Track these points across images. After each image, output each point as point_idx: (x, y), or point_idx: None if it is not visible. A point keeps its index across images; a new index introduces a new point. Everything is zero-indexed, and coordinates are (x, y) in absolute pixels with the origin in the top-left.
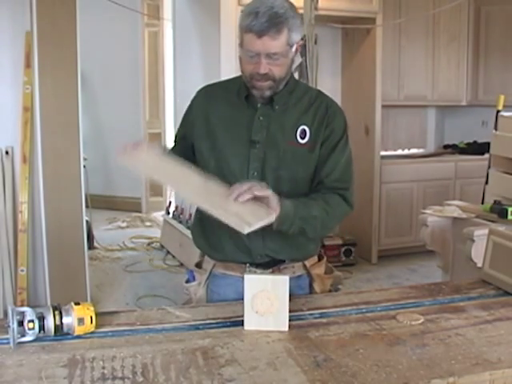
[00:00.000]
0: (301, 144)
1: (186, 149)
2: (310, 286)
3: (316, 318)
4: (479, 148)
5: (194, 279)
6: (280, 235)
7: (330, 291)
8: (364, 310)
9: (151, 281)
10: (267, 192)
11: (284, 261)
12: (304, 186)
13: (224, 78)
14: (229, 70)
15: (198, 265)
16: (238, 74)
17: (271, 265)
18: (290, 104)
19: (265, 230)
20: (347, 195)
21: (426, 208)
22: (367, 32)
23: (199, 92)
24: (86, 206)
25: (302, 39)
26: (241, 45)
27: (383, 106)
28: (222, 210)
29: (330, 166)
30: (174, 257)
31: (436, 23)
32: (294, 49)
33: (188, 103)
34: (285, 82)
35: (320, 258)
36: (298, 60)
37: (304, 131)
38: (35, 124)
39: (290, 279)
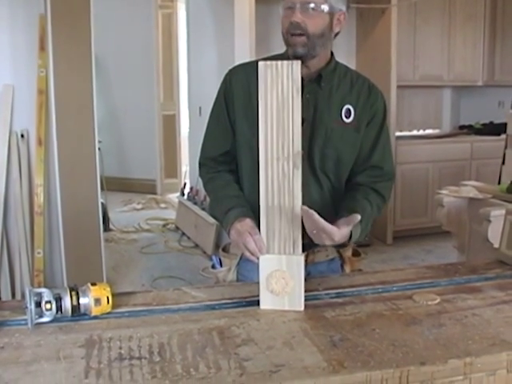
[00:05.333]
0: (346, 123)
1: (226, 134)
2: (341, 267)
3: (332, 297)
4: (495, 128)
5: (220, 264)
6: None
7: None
8: (380, 290)
9: (166, 262)
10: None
11: (318, 244)
12: (348, 166)
13: (239, 59)
14: (243, 50)
15: (225, 249)
16: (253, 54)
17: (306, 248)
18: (334, 83)
19: None
20: (392, 184)
21: (442, 189)
22: (382, 12)
23: (235, 69)
24: (102, 189)
25: (344, 14)
26: (282, 5)
27: (398, 87)
28: None
29: (379, 151)
30: (189, 238)
31: (452, 2)
32: (333, 13)
33: (206, 84)
34: (321, 47)
35: None
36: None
37: (349, 110)
38: (50, 107)
39: (323, 263)
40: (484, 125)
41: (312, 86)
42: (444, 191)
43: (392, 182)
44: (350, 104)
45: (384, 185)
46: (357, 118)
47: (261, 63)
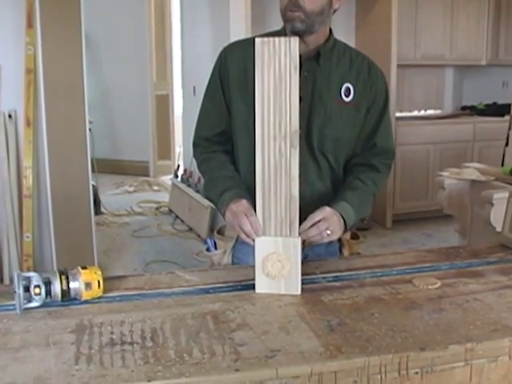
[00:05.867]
0: (346, 102)
1: (221, 114)
2: (340, 251)
3: (329, 281)
4: (499, 109)
5: (215, 247)
6: (315, 204)
7: None
8: (379, 274)
9: (160, 246)
10: (335, 235)
11: None
12: (347, 146)
13: (234, 36)
14: (238, 27)
15: (220, 231)
16: (248, 31)
17: None
18: (333, 60)
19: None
20: (392, 163)
21: (443, 171)
22: None
23: (230, 46)
24: (92, 171)
25: None
26: None
27: (399, 66)
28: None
29: (381, 134)
30: (182, 221)
31: None
32: None
33: (200, 62)
34: (319, 24)
35: None
36: None
37: (348, 89)
38: (38, 86)
39: (320, 246)
40: (487, 105)
41: (310, 64)
42: (445, 173)
43: (392, 160)
44: (350, 82)
45: (381, 161)
46: (356, 98)
47: (258, 39)
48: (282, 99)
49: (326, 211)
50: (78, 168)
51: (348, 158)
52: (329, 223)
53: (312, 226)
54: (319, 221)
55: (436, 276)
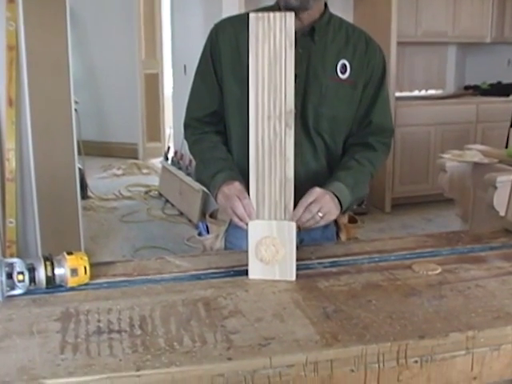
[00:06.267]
0: (342, 80)
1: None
2: (337, 235)
3: (326, 267)
4: (504, 89)
5: (207, 231)
6: (310, 186)
7: None
8: (377, 259)
9: (149, 231)
10: (331, 216)
11: None
12: (344, 125)
13: (226, 12)
14: (231, 3)
15: (212, 215)
16: (241, 7)
17: None
18: (329, 36)
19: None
20: (390, 142)
21: (445, 153)
22: None
23: (222, 23)
24: (79, 153)
25: None
26: None
27: (399, 43)
28: None
29: (378, 111)
30: (173, 206)
31: None
32: None
33: (194, 40)
34: (314, 0)
35: None
36: None
37: (344, 66)
38: (21, 64)
39: (316, 230)
40: (491, 85)
41: (305, 40)
42: (447, 155)
43: (391, 140)
44: (346, 59)
45: (378, 139)
46: (353, 74)
47: (252, 15)
48: (277, 77)
49: (316, 192)
50: (64, 150)
51: (346, 137)
52: (321, 204)
53: (305, 210)
54: (311, 203)
55: (436, 262)
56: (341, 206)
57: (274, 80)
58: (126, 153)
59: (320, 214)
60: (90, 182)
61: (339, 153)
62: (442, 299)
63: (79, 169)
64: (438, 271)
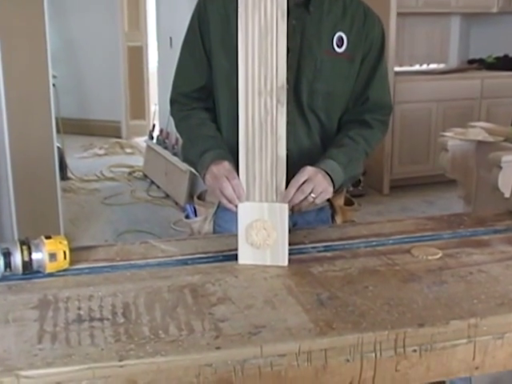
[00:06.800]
0: (338, 53)
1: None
2: (332, 218)
3: (320, 251)
4: (511, 63)
5: (195, 214)
6: (302, 166)
7: None
8: (374, 243)
9: (133, 215)
10: (326, 194)
11: None
12: (340, 102)
13: None
14: None
15: (200, 197)
16: None
17: None
18: (324, 7)
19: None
20: (388, 120)
21: (446, 131)
22: None
23: None
24: (57, 131)
25: None
26: None
27: (399, 14)
28: None
29: (375, 86)
30: (158, 187)
31: None
32: None
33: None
34: None
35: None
36: None
37: (341, 38)
38: None
39: (310, 212)
40: (497, 58)
41: (299, 11)
42: (449, 134)
43: (389, 117)
44: (343, 31)
45: (375, 117)
46: (350, 48)
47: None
48: (268, 51)
49: (308, 171)
50: (41, 128)
51: (341, 114)
52: (314, 183)
53: (297, 191)
54: (303, 183)
55: (437, 246)
56: (333, 185)
57: (264, 53)
58: (108, 131)
59: (313, 195)
60: (69, 162)
61: (334, 131)
62: (442, 285)
63: (58, 148)
64: (438, 256)
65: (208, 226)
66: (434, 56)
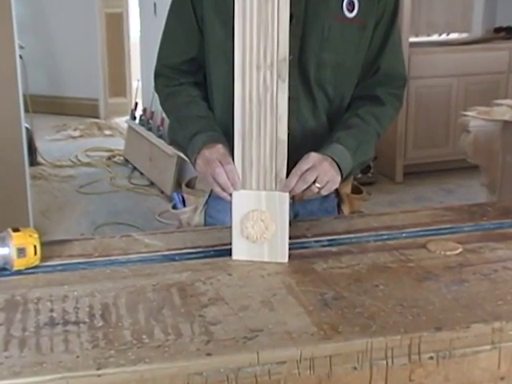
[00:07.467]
0: (349, 19)
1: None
2: (338, 208)
3: (324, 245)
4: None
5: (183, 204)
6: (307, 149)
7: None
8: (385, 237)
9: (113, 205)
10: (331, 185)
11: None
12: (350, 75)
13: None
14: None
15: (190, 184)
16: None
17: None
18: None
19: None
20: (402, 94)
21: (469, 110)
22: None
23: None
24: (26, 110)
25: None
26: None
27: None
28: None
29: (388, 55)
30: (141, 174)
31: None
32: None
33: None
34: None
35: None
36: None
37: (351, 2)
38: None
39: (314, 201)
40: None
41: None
42: (471, 113)
43: (403, 91)
44: None
45: (388, 90)
46: (362, 13)
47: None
48: (268, 18)
49: (313, 157)
50: (7, 107)
51: (352, 90)
52: (318, 172)
53: (299, 179)
54: (306, 171)
55: (456, 239)
56: (341, 173)
57: (264, 21)
58: (83, 110)
59: (318, 185)
60: (40, 145)
61: (343, 109)
62: (462, 284)
63: (26, 129)
64: (458, 251)
65: (198, 217)
66: (455, 24)
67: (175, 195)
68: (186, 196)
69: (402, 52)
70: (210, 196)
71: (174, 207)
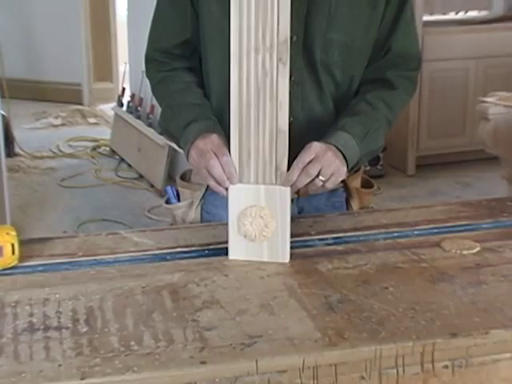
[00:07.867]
0: None
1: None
2: (347, 203)
3: (329, 244)
4: None
5: (177, 198)
6: (310, 138)
7: None
8: (396, 235)
9: (98, 200)
10: (337, 178)
11: None
12: (360, 57)
13: None
14: None
15: (185, 177)
16: None
17: None
18: None
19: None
20: (416, 76)
21: (488, 95)
22: None
23: None
24: (2, 96)
25: None
26: None
27: None
28: None
29: (400, 34)
30: (130, 166)
31: None
32: None
33: None
34: None
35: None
36: None
37: None
38: None
39: (320, 196)
40: None
41: None
42: (490, 99)
43: (417, 73)
44: None
45: (400, 73)
46: None
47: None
48: None
49: (315, 147)
50: None
51: (361, 74)
52: (321, 163)
53: (301, 172)
54: (308, 163)
55: (474, 238)
56: (346, 164)
57: None
58: (65, 96)
59: (322, 178)
60: (17, 134)
61: (352, 94)
62: (480, 286)
63: (2, 116)
64: (475, 250)
65: (194, 213)
66: (474, 1)
67: (169, 189)
68: (180, 190)
69: (415, 31)
70: (207, 190)
71: (168, 202)
